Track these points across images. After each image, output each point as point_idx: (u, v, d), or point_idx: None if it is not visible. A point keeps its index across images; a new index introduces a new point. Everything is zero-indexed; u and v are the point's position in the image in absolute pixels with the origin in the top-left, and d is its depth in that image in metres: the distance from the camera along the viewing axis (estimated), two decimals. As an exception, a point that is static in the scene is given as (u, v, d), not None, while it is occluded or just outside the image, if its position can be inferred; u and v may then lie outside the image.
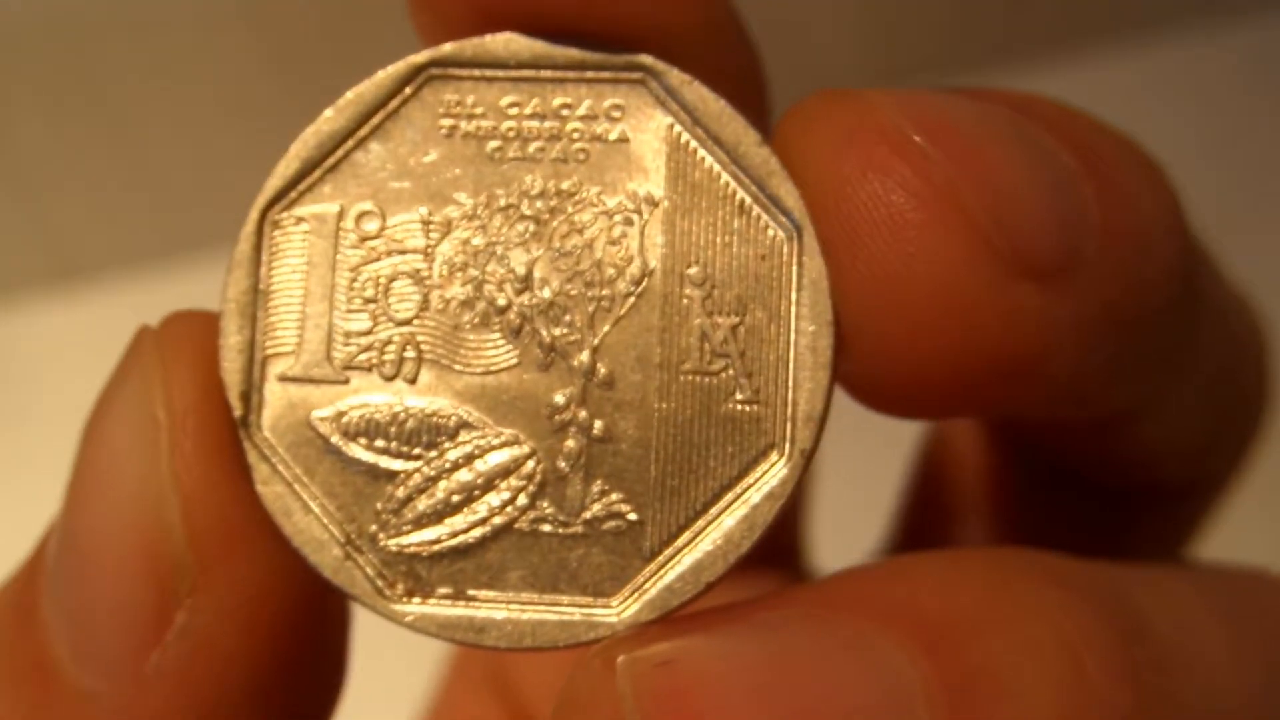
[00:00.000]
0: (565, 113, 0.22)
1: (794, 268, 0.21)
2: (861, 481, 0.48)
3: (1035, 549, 0.22)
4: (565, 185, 0.22)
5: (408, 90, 0.22)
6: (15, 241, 0.80)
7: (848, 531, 0.42)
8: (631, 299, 0.21)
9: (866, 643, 0.20)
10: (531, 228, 0.22)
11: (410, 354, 0.22)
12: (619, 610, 0.21)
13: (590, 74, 0.22)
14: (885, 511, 0.38)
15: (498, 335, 0.22)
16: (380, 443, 0.22)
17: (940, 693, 0.19)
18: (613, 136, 0.22)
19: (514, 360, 0.22)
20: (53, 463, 0.23)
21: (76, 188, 0.80)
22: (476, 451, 0.21)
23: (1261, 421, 0.30)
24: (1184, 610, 0.23)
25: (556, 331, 0.21)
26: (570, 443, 0.21)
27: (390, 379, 0.22)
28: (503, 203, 0.22)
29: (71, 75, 0.76)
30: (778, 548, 0.37)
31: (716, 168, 0.22)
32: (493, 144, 0.22)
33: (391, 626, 0.22)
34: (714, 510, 0.21)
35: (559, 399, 0.21)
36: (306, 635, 0.23)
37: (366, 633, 0.26)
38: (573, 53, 0.22)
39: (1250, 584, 0.26)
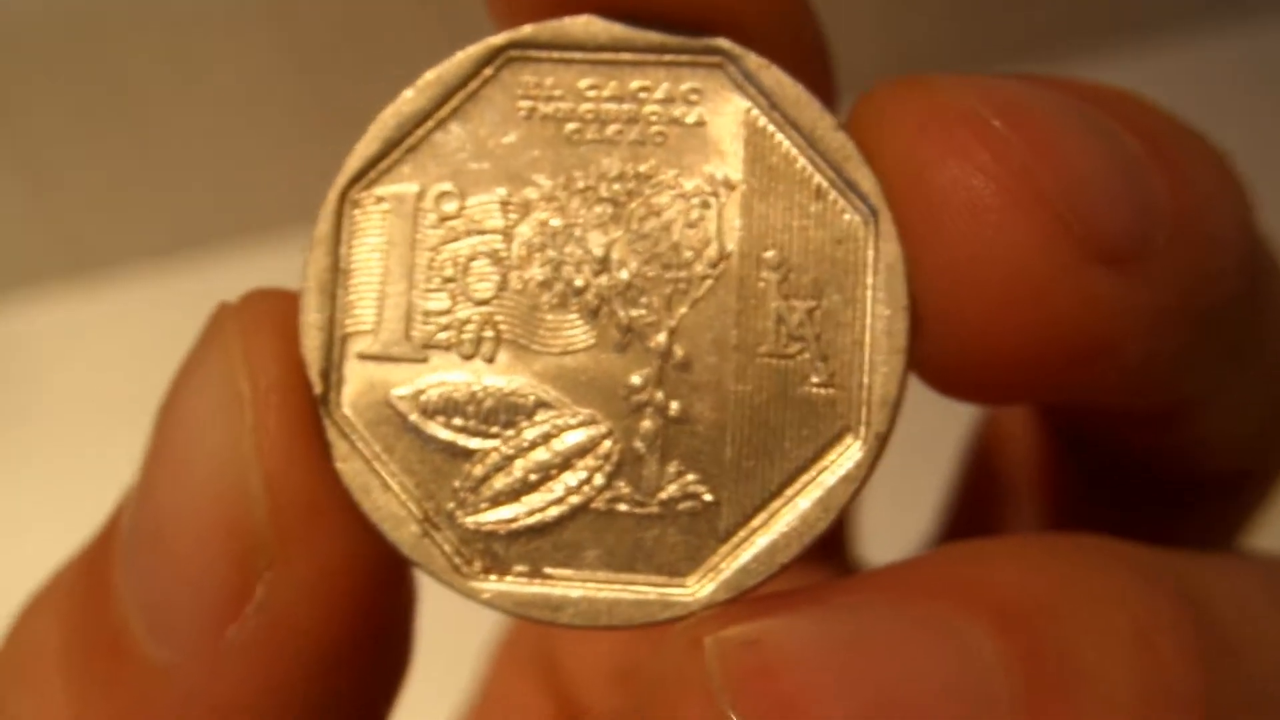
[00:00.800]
0: (643, 95, 0.22)
1: (870, 252, 0.21)
2: (908, 475, 0.48)
3: (1104, 535, 0.22)
4: (643, 168, 0.22)
5: (487, 72, 0.22)
6: (32, 235, 0.81)
7: (894, 523, 0.42)
8: (708, 281, 0.22)
9: (947, 625, 0.20)
10: (609, 210, 0.22)
11: (489, 334, 0.22)
12: (694, 590, 0.21)
13: (668, 57, 0.22)
14: (930, 505, 0.38)
15: (575, 316, 0.22)
16: (458, 421, 0.22)
17: (1020, 674, 0.19)
18: (690, 120, 0.22)
19: (591, 341, 0.22)
20: (68, 454, 0.23)
21: (92, 182, 0.80)
22: (554, 431, 0.22)
23: None
24: (1248, 596, 0.23)
25: (634, 313, 0.22)
26: (647, 423, 0.21)
27: (469, 358, 0.22)
28: (581, 185, 0.22)
29: (88, 69, 0.76)
30: (830, 540, 0.37)
31: (793, 151, 0.22)
32: (571, 126, 0.22)
33: (448, 609, 0.22)
34: (789, 492, 0.21)
35: (636, 380, 0.22)
36: (379, 613, 0.23)
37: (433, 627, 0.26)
38: (651, 36, 0.22)
39: None
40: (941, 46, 0.83)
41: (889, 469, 0.41)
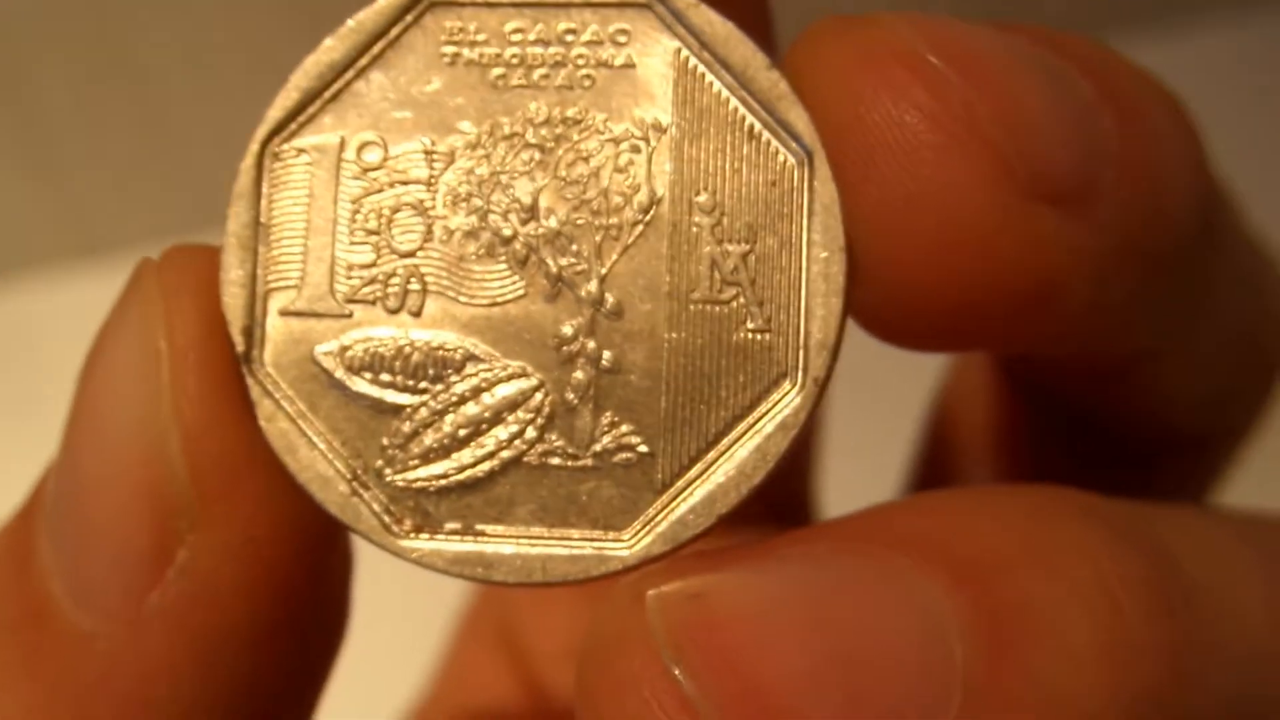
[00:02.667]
0: (570, 38, 0.22)
1: (805, 193, 0.21)
2: (872, 435, 0.47)
3: (1069, 487, 0.22)
4: (570, 112, 0.21)
5: (409, 18, 0.22)
6: (40, 217, 0.80)
7: (860, 477, 0.42)
8: (639, 227, 0.21)
9: (900, 576, 0.19)
10: (537, 156, 0.21)
11: (415, 286, 0.21)
12: (630, 544, 0.21)
13: None
14: (897, 457, 0.38)
15: (503, 266, 0.21)
16: (385, 377, 0.21)
17: (975, 627, 0.19)
18: (618, 62, 0.21)
19: (520, 291, 0.21)
20: None
21: (102, 164, 0.80)
22: (483, 384, 0.21)
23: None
24: (1214, 550, 0.22)
25: (563, 261, 0.21)
26: (579, 374, 0.21)
27: (394, 312, 0.21)
28: (507, 131, 0.21)
29: (97, 50, 0.76)
30: (788, 499, 0.37)
31: (725, 93, 0.21)
32: (496, 71, 0.22)
33: (400, 575, 0.21)
34: (726, 441, 0.21)
35: (567, 330, 0.21)
36: (310, 576, 0.22)
37: (375, 582, 0.25)
38: None
39: (1274, 527, 0.26)
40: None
41: (856, 420, 0.41)
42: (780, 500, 0.34)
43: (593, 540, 0.21)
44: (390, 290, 0.21)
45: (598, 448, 0.21)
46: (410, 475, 0.21)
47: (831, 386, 0.21)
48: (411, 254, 0.21)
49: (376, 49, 0.22)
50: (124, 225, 0.80)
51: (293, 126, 0.22)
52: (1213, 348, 0.26)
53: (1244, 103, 0.75)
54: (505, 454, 0.21)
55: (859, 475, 0.46)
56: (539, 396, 0.21)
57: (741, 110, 0.21)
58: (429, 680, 0.39)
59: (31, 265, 0.81)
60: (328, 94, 0.22)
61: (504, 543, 0.21)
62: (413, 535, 0.21)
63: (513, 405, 0.21)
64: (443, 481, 0.21)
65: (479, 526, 0.21)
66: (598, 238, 0.21)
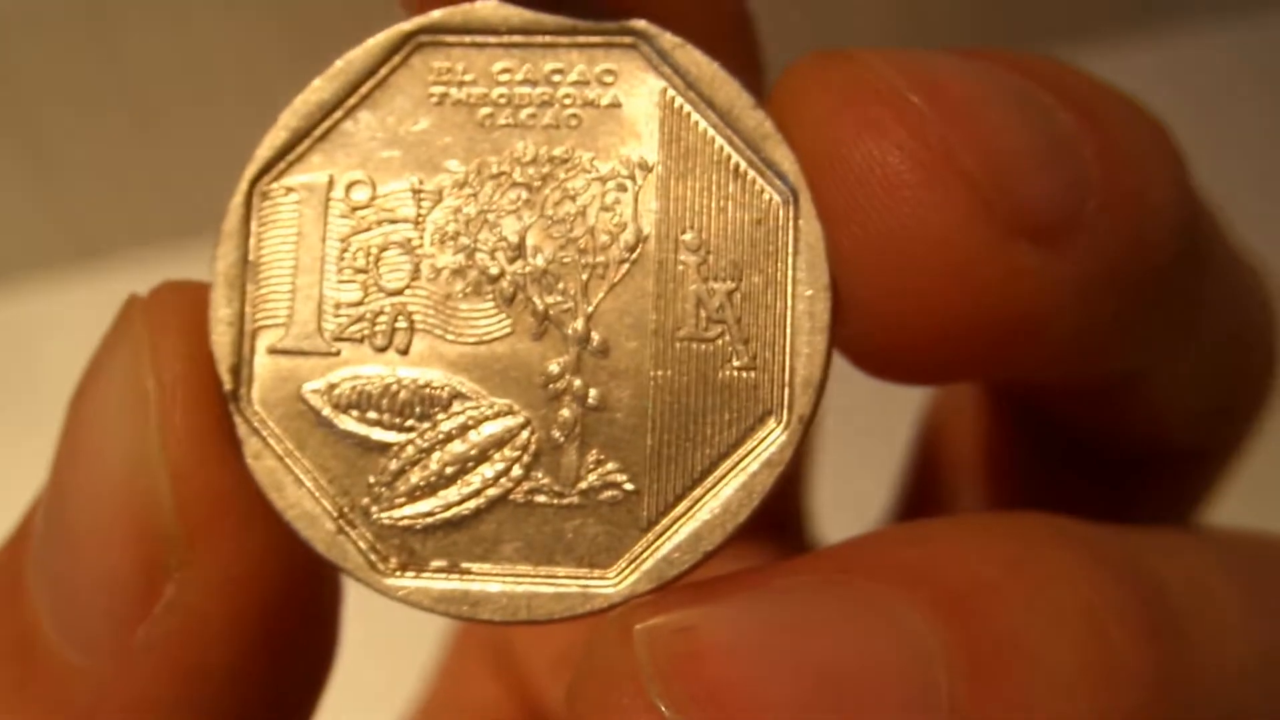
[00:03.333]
0: (557, 78, 0.22)
1: (790, 232, 0.21)
2: (864, 453, 0.47)
3: (1051, 513, 0.22)
4: (557, 151, 0.21)
5: (397, 58, 0.22)
6: (35, 221, 0.80)
7: (850, 503, 0.42)
8: (625, 265, 0.21)
9: (885, 608, 0.19)
10: (524, 195, 0.21)
11: (402, 324, 0.21)
12: (616, 582, 0.21)
13: (581, 39, 0.22)
14: (888, 483, 0.38)
15: (490, 304, 0.21)
16: (372, 415, 0.21)
17: (961, 658, 0.19)
18: (605, 101, 0.21)
19: (507, 329, 0.21)
20: None
21: (96, 168, 0.80)
22: (470, 422, 0.21)
23: (1270, 389, 0.30)
24: (1199, 573, 0.23)
25: (550, 299, 0.21)
26: (565, 412, 0.21)
27: (382, 350, 0.21)
28: (494, 170, 0.21)
29: (94, 55, 0.76)
30: (779, 519, 0.37)
31: (711, 132, 0.21)
32: (484, 111, 0.22)
33: (388, 604, 0.21)
34: (711, 479, 0.21)
35: (553, 368, 0.21)
36: (297, 612, 0.22)
37: (364, 611, 0.26)
38: (564, 18, 0.21)
39: (1263, 547, 0.26)
40: (937, 36, 0.82)
41: (847, 444, 0.41)
42: (772, 513, 0.34)
43: (578, 578, 0.21)
44: (378, 328, 0.21)
45: (583, 485, 0.21)
46: (396, 513, 0.21)
47: (823, 410, 0.21)
48: (399, 292, 0.21)
49: (365, 89, 0.22)
50: (120, 230, 0.80)
51: (281, 165, 0.22)
52: (1200, 365, 0.26)
53: (1244, 103, 0.75)
54: (491, 492, 0.21)
55: (851, 485, 0.46)
56: (525, 434, 0.21)
57: (727, 149, 0.21)
58: (421, 693, 0.39)
59: (28, 269, 0.81)
60: (316, 133, 0.22)
61: (490, 581, 0.21)
62: (398, 573, 0.21)
63: (499, 443, 0.21)
64: (429, 519, 0.21)
65: (465, 564, 0.21)
66: (584, 276, 0.21)
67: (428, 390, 0.21)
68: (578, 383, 0.21)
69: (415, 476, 0.21)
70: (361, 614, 0.25)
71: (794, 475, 0.36)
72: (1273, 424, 0.31)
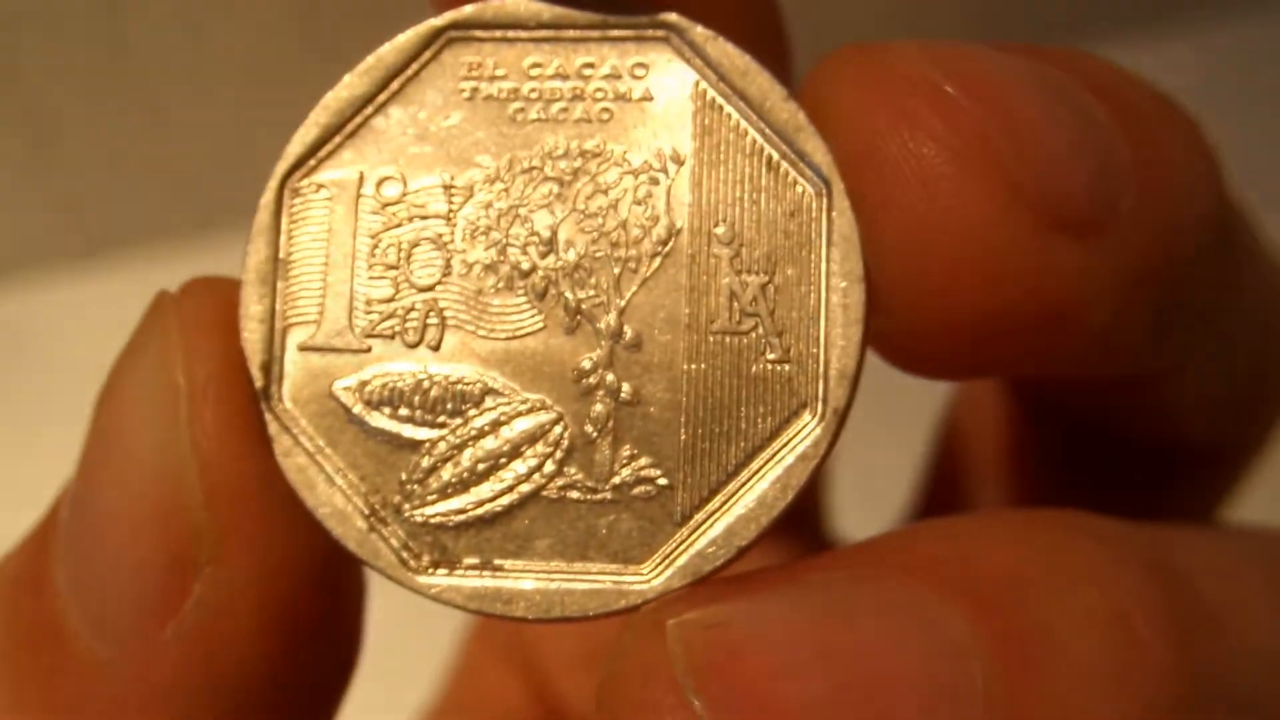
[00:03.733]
0: (588, 72, 0.21)
1: (823, 224, 0.21)
2: (883, 447, 0.47)
3: (1079, 510, 0.22)
4: (589, 145, 0.21)
5: (427, 54, 0.22)
6: (40, 217, 0.80)
7: (869, 498, 0.42)
8: (658, 259, 0.21)
9: (919, 603, 0.19)
10: (555, 189, 0.21)
11: (433, 320, 0.21)
12: (649, 577, 0.21)
13: (613, 33, 0.21)
14: (907, 476, 0.38)
15: (522, 299, 0.21)
16: (404, 411, 0.21)
17: (994, 652, 0.19)
18: (636, 95, 0.21)
19: (539, 324, 0.21)
20: (73, 435, 0.22)
21: (101, 163, 0.80)
22: (502, 418, 0.21)
23: None
24: (1227, 569, 0.22)
25: (582, 294, 0.21)
26: (598, 407, 0.21)
27: (413, 346, 0.21)
28: (526, 165, 0.21)
29: (96, 49, 0.76)
30: (799, 513, 0.36)
31: (743, 124, 0.21)
32: (515, 106, 0.22)
33: (409, 601, 0.21)
34: (746, 473, 0.21)
35: (586, 363, 0.21)
36: (324, 610, 0.22)
37: (384, 606, 0.25)
38: (595, 11, 0.21)
39: None
40: (939, 32, 0.82)
41: (865, 440, 0.41)
42: (792, 515, 0.34)
43: (612, 574, 0.21)
44: (409, 325, 0.21)
45: (616, 480, 0.21)
46: (428, 510, 0.21)
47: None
48: (430, 288, 0.21)
49: (396, 85, 0.22)
50: (123, 225, 0.80)
51: (312, 162, 0.22)
52: (1229, 362, 0.26)
53: (1244, 103, 0.75)
54: (524, 488, 0.21)
55: (871, 480, 0.46)
56: (558, 430, 0.21)
57: (760, 141, 0.21)
58: (439, 689, 0.39)
59: (31, 265, 0.81)
60: (347, 129, 0.22)
61: (523, 578, 0.21)
62: (431, 571, 0.21)
63: (531, 439, 0.21)
64: (461, 516, 0.21)
65: (497, 561, 0.21)
66: (616, 270, 0.21)
67: (459, 386, 0.21)
68: (610, 377, 0.21)
69: (447, 473, 0.21)
70: (383, 611, 0.25)
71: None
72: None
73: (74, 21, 0.75)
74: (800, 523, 0.36)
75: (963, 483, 0.34)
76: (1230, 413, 0.29)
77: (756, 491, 0.21)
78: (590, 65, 0.21)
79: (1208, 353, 0.25)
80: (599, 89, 0.21)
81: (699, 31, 0.21)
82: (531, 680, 0.37)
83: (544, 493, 0.21)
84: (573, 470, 0.21)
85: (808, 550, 0.35)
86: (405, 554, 0.21)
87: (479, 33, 0.22)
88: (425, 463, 0.21)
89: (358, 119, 0.22)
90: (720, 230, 0.21)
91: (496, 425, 0.21)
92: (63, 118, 0.78)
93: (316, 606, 0.22)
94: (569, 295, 0.21)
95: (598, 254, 0.21)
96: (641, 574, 0.21)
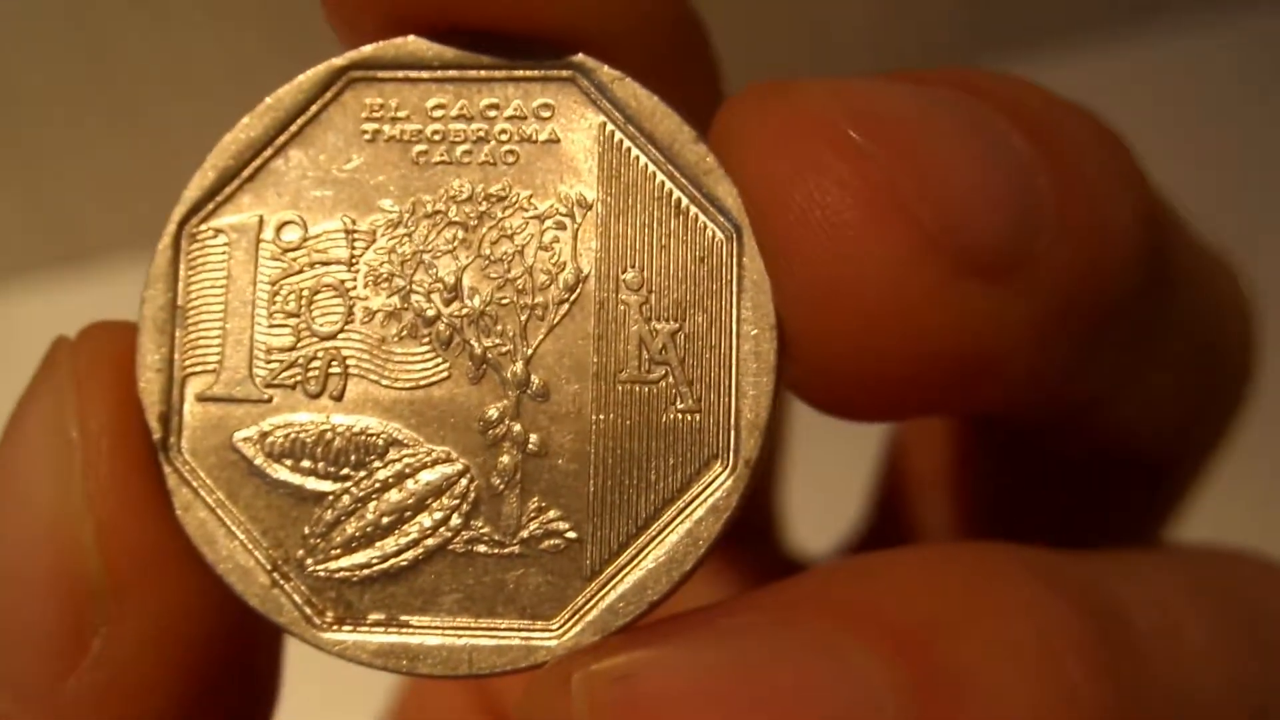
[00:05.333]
0: (493, 114, 0.21)
1: (734, 270, 0.20)
2: (837, 451, 0.47)
3: (1009, 541, 0.22)
4: (494, 189, 0.21)
5: (328, 94, 0.21)
6: (21, 224, 0.80)
7: (824, 503, 0.41)
8: (565, 306, 0.21)
9: (834, 648, 0.19)
10: (460, 234, 0.21)
11: (336, 369, 0.21)
12: (559, 633, 0.20)
13: (518, 73, 0.21)
14: (862, 483, 0.37)
15: (427, 348, 0.21)
16: (306, 463, 0.21)
17: (913, 698, 0.18)
18: (542, 137, 0.21)
19: (444, 373, 0.21)
20: None
21: (82, 170, 0.79)
22: (407, 470, 0.21)
23: (1243, 395, 0.29)
24: (1163, 598, 0.22)
25: (488, 342, 0.21)
26: (505, 458, 0.20)
27: (315, 396, 0.21)
28: (429, 209, 0.21)
29: (78, 56, 0.75)
30: (750, 525, 0.36)
31: (651, 167, 0.21)
32: (418, 148, 0.21)
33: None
34: (656, 526, 0.20)
35: (492, 413, 0.21)
36: (232, 664, 0.22)
37: (307, 659, 0.25)
38: (499, 52, 0.21)
39: (1230, 566, 0.25)
40: (947, 36, 0.82)
41: (818, 444, 0.40)
42: (742, 528, 0.33)
43: (520, 630, 0.20)
44: (311, 374, 0.21)
45: (525, 534, 0.20)
46: (332, 565, 0.21)
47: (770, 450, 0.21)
48: (332, 336, 0.21)
49: (295, 126, 0.21)
50: (106, 233, 0.79)
51: (210, 206, 0.21)
52: (1170, 379, 0.26)
53: (1244, 103, 0.74)
54: (430, 542, 0.21)
55: (825, 485, 0.46)
56: (464, 482, 0.21)
57: (669, 185, 0.21)
58: (390, 706, 0.39)
59: (13, 273, 0.80)
60: (245, 173, 0.21)
61: (429, 634, 0.20)
62: (335, 627, 0.20)
63: (437, 491, 0.21)
64: (366, 571, 0.21)
65: (403, 617, 0.20)
66: (523, 317, 0.21)
67: (363, 437, 0.21)
68: (517, 428, 0.20)
69: (351, 527, 0.21)
70: (305, 662, 0.24)
71: (767, 468, 0.35)
72: (1248, 428, 0.31)
73: (52, 31, 0.74)
74: (753, 533, 0.36)
75: (910, 497, 0.34)
76: (1176, 427, 0.28)
77: (667, 545, 0.20)
78: (495, 106, 0.21)
79: (1143, 378, 0.25)
80: (504, 131, 0.21)
81: (606, 71, 0.21)
82: (483, 701, 0.37)
83: (450, 546, 0.20)
84: (480, 523, 0.20)
85: (759, 562, 0.35)
86: (309, 610, 0.21)
87: (381, 73, 0.21)
88: (329, 516, 0.21)
89: (256, 162, 0.21)
90: (629, 276, 0.20)
91: (401, 477, 0.21)
92: (41, 125, 0.77)
93: (224, 661, 0.21)
94: (474, 343, 0.21)
95: (504, 301, 0.21)
96: (551, 630, 0.20)
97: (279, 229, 0.21)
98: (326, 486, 0.21)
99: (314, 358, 0.21)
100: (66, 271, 0.80)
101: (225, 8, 0.74)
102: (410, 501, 0.21)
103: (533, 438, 0.20)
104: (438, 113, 0.21)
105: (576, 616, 0.20)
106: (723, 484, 0.20)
